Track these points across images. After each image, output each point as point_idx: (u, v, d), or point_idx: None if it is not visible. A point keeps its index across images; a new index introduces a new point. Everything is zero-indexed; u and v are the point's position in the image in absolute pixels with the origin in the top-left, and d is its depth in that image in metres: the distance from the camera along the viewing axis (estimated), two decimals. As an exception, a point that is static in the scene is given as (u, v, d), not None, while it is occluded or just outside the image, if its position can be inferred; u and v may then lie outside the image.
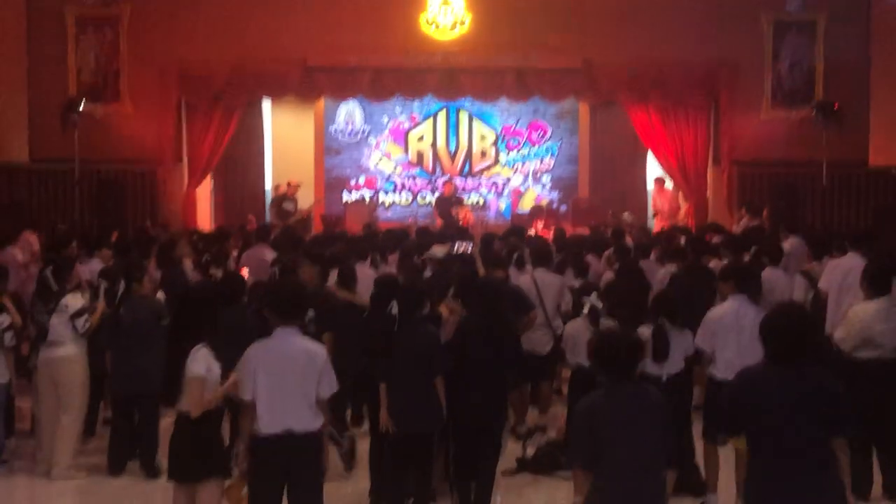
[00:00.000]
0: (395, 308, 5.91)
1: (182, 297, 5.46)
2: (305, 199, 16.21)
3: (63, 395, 7.20)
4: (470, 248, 9.24)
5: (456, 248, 9.22)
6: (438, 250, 9.24)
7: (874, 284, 6.71)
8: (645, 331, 6.38)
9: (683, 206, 16.27)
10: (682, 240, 10.58)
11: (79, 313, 7.21)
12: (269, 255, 10.16)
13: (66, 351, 7.20)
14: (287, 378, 5.00)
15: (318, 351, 5.18)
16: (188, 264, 9.81)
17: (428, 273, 8.73)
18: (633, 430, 4.27)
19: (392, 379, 5.97)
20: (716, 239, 10.67)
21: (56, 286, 7.37)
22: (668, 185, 16.45)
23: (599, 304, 6.95)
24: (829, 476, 4.11)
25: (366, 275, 8.46)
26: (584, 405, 4.39)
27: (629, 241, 11.21)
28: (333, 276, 8.55)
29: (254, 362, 5.01)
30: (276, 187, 16.56)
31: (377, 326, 6.19)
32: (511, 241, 10.30)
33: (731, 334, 6.36)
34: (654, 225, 15.54)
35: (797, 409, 4.08)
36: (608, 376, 4.37)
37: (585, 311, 6.98)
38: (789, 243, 10.58)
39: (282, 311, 5.14)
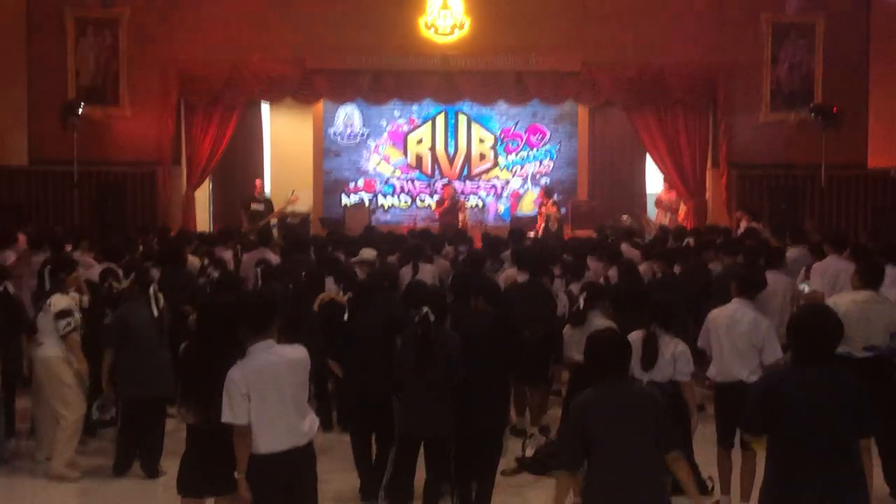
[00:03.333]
0: (431, 315, 5.86)
1: (209, 316, 5.28)
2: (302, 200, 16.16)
3: (49, 394, 7.05)
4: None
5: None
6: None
7: (863, 277, 6.79)
8: (636, 336, 6.40)
9: (682, 209, 16.30)
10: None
11: (62, 314, 6.95)
12: (272, 258, 10.16)
13: (46, 352, 7.01)
14: (283, 393, 4.84)
15: (302, 356, 4.99)
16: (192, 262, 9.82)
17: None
18: (625, 425, 4.30)
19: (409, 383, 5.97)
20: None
21: (49, 285, 7.14)
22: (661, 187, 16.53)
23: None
24: (852, 476, 4.12)
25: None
26: (577, 403, 4.44)
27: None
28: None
29: (244, 385, 4.73)
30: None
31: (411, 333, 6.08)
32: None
33: (722, 336, 6.36)
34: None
35: (827, 411, 4.08)
36: (598, 375, 4.42)
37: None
38: (792, 252, 10.57)
39: (256, 325, 4.86)
